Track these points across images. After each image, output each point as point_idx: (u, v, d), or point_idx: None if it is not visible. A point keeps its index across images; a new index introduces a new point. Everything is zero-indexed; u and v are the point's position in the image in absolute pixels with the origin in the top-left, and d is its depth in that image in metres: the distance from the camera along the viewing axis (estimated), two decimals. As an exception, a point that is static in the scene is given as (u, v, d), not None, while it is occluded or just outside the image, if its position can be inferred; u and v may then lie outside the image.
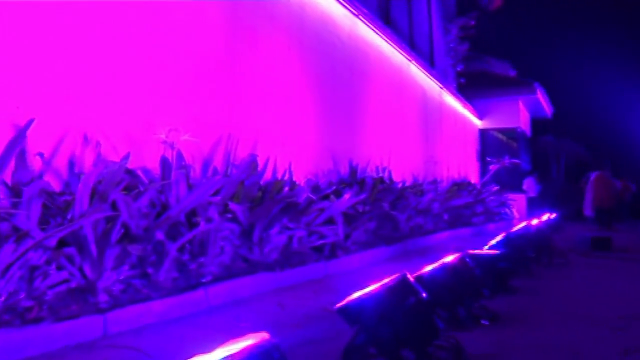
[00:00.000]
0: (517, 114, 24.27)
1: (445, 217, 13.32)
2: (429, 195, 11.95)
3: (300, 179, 8.48)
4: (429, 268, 4.63)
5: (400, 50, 14.10)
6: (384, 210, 9.13)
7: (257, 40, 8.24)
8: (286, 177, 7.90)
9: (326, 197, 8.55)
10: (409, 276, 3.75)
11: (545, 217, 15.76)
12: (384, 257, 8.98)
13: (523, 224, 11.74)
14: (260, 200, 6.77)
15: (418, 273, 4.59)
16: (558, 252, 9.46)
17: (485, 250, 6.68)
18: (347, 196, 8.04)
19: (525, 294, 6.12)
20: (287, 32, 8.99)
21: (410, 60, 15.01)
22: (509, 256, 6.44)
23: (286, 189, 7.46)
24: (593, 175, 19.29)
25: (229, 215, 6.06)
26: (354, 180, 9.98)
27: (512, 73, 27.48)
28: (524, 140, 26.11)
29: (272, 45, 8.56)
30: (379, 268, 7.92)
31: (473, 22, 23.58)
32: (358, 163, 10.64)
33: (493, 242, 7.26)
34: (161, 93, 6.42)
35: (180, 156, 6.32)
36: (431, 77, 17.10)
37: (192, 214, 5.74)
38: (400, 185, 11.56)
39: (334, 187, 8.45)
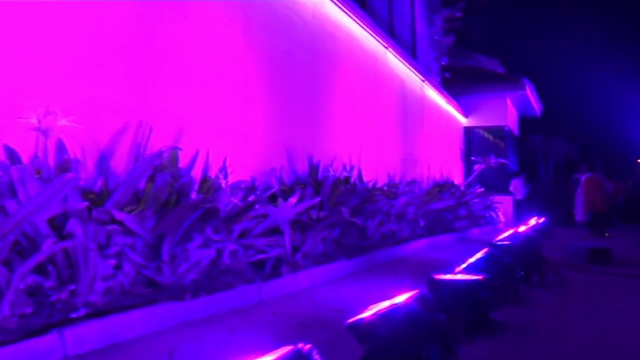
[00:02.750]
0: (504, 112, 22.82)
1: (422, 222, 11.83)
2: (403, 198, 10.46)
3: (244, 178, 6.95)
4: (370, 312, 3.14)
5: (376, 36, 12.59)
6: (344, 217, 7.62)
7: (186, 8, 6.71)
8: (220, 176, 6.38)
9: (273, 200, 7.09)
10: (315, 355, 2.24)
11: (533, 221, 14.45)
12: (343, 273, 7.47)
13: (510, 231, 10.35)
14: (175, 205, 5.26)
15: (354, 320, 3.11)
16: (551, 266, 8.02)
17: (460, 272, 5.20)
18: (293, 200, 6.53)
19: (513, 335, 4.61)
20: (228, 3, 7.46)
21: (387, 48, 13.50)
22: (493, 281, 4.96)
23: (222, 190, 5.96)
24: (584, 177, 17.89)
25: (116, 227, 4.53)
26: (313, 180, 8.48)
27: (500, 70, 26.06)
28: (512, 139, 24.69)
29: (207, 17, 7.02)
30: (331, 289, 6.41)
31: (459, 14, 22.14)
32: (320, 160, 9.13)
33: (473, 259, 5.79)
34: (45, 68, 4.90)
35: (61, 147, 4.80)
36: (412, 68, 15.61)
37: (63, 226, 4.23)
38: (370, 186, 10.08)
39: (274, 189, 6.93)
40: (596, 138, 40.19)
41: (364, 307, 3.30)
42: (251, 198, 6.22)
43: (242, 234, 6.19)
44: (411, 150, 15.39)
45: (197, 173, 6.27)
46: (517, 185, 22.20)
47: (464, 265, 5.61)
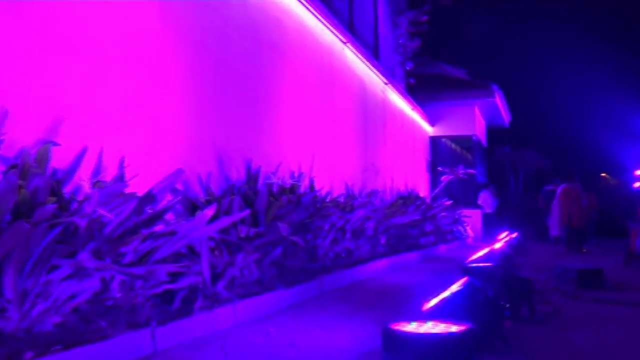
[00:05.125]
0: (472, 121, 21.52)
1: (383, 239, 10.36)
2: (361, 211, 8.95)
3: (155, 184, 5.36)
4: None
5: (332, 28, 11.10)
6: (281, 235, 6.07)
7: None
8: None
9: (193, 213, 5.57)
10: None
11: (504, 237, 13.14)
12: (281, 306, 5.91)
13: (485, 250, 8.92)
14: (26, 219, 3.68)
15: None
16: (539, 293, 6.61)
17: (430, 315, 3.70)
18: (209, 212, 4.96)
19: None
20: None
21: (345, 43, 12.02)
22: (478, 329, 3.44)
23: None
24: (560, 188, 16.58)
25: None
26: (251, 189, 6.94)
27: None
28: (480, 150, 23.40)
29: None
30: (258, 332, 4.82)
31: (425, 17, 20.82)
32: (261, 166, 7.60)
33: (447, 293, 4.29)
34: None
35: None
36: (373, 68, 14.15)
37: None
38: (322, 196, 8.58)
39: (199, 199, 5.36)
40: (565, 150, 39.29)
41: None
42: (150, 210, 4.65)
43: (142, 258, 4.64)
44: (372, 159, 13.92)
45: (84, 176, 4.73)
46: (486, 198, 20.89)
47: (435, 301, 4.11)
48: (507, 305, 5.31)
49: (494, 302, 4.39)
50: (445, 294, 4.22)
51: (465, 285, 4.29)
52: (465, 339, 2.97)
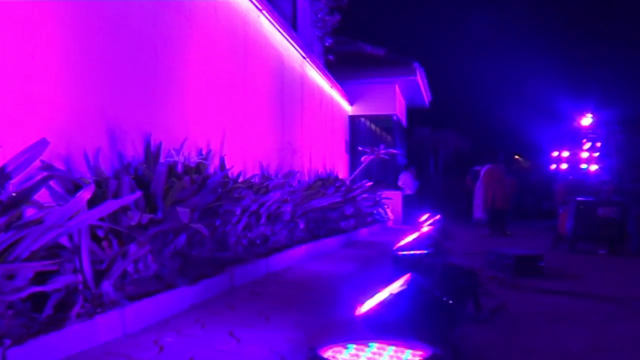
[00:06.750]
0: (393, 100, 20.83)
1: (302, 224, 9.48)
2: (277, 193, 8.03)
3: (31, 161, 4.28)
4: None
5: (245, -8, 10.07)
6: (182, 222, 5.09)
7: None
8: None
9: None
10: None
11: (426, 219, 12.54)
12: (181, 307, 4.95)
13: (415, 235, 8.16)
14: None
15: None
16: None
17: (369, 324, 2.85)
18: (85, 194, 3.92)
19: None
20: None
21: (261, 11, 11.01)
22: (442, 356, 2.59)
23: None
24: (484, 169, 16.11)
25: None
26: (149, 168, 5.93)
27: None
28: (400, 130, 22.79)
29: None
30: (148, 347, 3.84)
31: (346, -9, 20.02)
32: (162, 142, 6.60)
33: (386, 293, 3.43)
34: None
35: None
36: (292, 40, 13.17)
37: None
38: (234, 177, 7.65)
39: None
40: (484, 131, 39.36)
41: None
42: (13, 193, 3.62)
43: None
44: (289, 137, 12.98)
45: None
46: (406, 180, 20.33)
47: (371, 304, 3.27)
48: (451, 302, 4.53)
49: (445, 304, 3.57)
50: (384, 294, 3.38)
51: (409, 284, 3.44)
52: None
